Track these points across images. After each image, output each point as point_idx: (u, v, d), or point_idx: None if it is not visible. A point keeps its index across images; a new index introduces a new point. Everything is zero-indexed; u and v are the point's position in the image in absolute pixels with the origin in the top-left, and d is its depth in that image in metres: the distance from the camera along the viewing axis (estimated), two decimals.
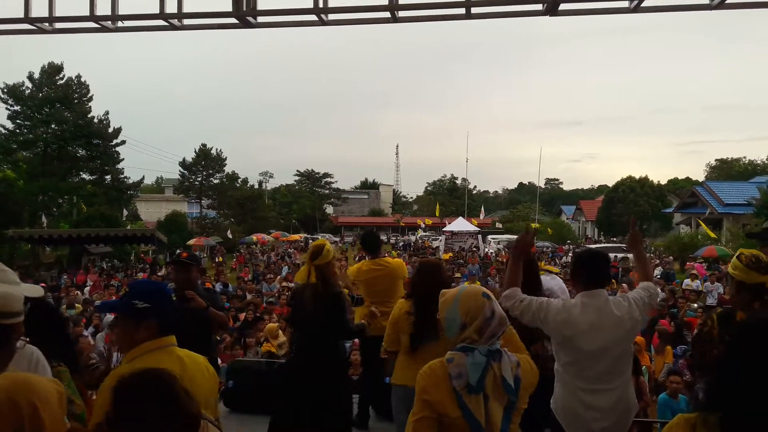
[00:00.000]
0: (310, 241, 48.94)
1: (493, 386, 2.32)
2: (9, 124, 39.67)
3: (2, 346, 2.02)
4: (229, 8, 4.67)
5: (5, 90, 39.45)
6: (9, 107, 39.62)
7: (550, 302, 3.36)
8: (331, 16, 4.73)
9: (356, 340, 8.26)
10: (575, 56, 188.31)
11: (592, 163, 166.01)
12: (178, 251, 5.70)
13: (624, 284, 14.30)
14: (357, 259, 27.52)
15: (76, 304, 13.16)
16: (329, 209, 79.27)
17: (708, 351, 3.42)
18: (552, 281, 4.60)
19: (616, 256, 20.99)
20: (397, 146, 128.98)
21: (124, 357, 2.48)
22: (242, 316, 10.32)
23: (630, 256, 24.17)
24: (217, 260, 30.60)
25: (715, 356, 3.36)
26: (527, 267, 3.84)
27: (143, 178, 48.09)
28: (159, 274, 20.27)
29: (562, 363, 3.34)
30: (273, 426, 4.40)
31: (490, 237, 41.77)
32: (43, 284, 14.33)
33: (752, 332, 1.66)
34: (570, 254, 33.09)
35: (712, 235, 27.18)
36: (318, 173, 78.10)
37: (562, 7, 4.46)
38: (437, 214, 50.31)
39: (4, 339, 2.04)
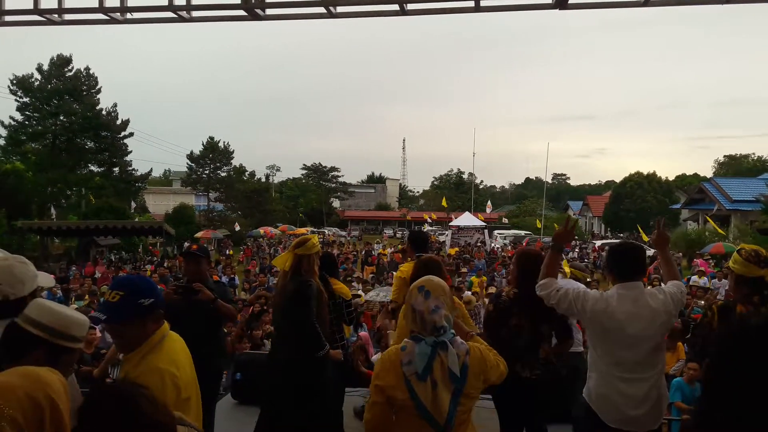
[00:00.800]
0: (316, 234, 49.15)
1: (441, 374, 2.48)
2: (18, 116, 39.86)
3: (55, 366, 2.09)
4: (237, 0, 4.67)
5: (14, 82, 39.60)
6: (18, 99, 39.79)
7: (587, 292, 3.44)
8: (340, 9, 4.73)
9: (364, 334, 8.29)
10: (584, 51, 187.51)
11: (600, 158, 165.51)
12: (186, 244, 5.74)
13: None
14: (363, 253, 27.56)
15: (86, 296, 13.25)
16: (336, 203, 79.34)
17: (709, 341, 3.46)
18: (562, 281, 4.63)
19: None
20: (404, 140, 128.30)
21: (133, 353, 2.45)
22: (250, 309, 10.34)
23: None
24: (227, 253, 30.69)
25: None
26: (533, 262, 3.87)
27: (151, 170, 48.29)
28: (165, 266, 20.32)
29: (599, 353, 3.39)
30: (261, 416, 4.39)
31: (496, 232, 41.69)
32: (53, 275, 14.42)
33: (737, 343, 1.65)
34: (577, 250, 33.03)
35: (720, 231, 27.04)
36: (325, 167, 78.13)
37: (572, 0, 4.43)
38: (444, 204, 50.22)
39: (54, 359, 2.14)
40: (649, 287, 3.46)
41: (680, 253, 26.98)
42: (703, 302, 11.86)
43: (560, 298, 3.42)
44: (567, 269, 5.76)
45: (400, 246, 33.09)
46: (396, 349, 2.60)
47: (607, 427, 3.35)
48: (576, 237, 43.64)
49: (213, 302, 4.59)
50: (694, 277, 16.79)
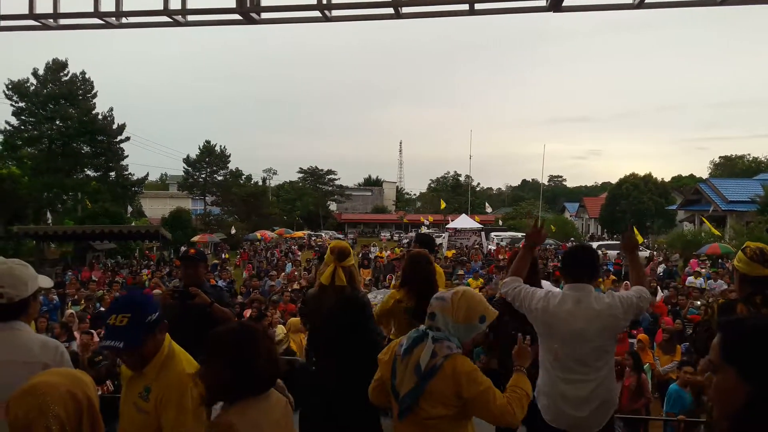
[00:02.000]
0: (314, 238, 49.12)
1: (413, 362, 2.57)
2: (14, 121, 39.79)
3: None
4: (233, 4, 4.68)
5: (10, 87, 39.54)
6: (14, 104, 39.71)
7: (535, 290, 3.55)
8: (335, 12, 4.73)
9: None
10: (579, 53, 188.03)
11: (596, 160, 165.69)
12: (183, 248, 5.74)
13: (627, 282, 14.24)
14: (360, 256, 27.49)
15: (81, 301, 13.20)
16: (333, 206, 79.30)
17: (708, 339, 3.45)
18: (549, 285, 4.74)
19: (620, 254, 20.96)
20: (401, 143, 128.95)
21: (149, 366, 2.45)
22: (246, 313, 10.33)
23: (641, 254, 24.06)
24: (224, 257, 30.64)
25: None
26: (531, 264, 3.90)
27: (147, 174, 48.27)
28: (166, 271, 20.29)
29: (544, 350, 3.49)
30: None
31: (493, 234, 41.71)
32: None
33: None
34: None
35: (716, 232, 27.10)
36: (321, 170, 78.16)
37: (566, 2, 4.45)
38: (442, 207, 50.28)
39: None
40: (598, 292, 3.50)
41: (677, 254, 27.04)
42: (699, 303, 11.90)
43: (515, 295, 3.57)
44: None
45: (397, 249, 33.13)
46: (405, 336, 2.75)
47: (549, 427, 3.42)
48: (572, 239, 43.79)
49: (209, 306, 4.57)
50: (690, 278, 16.84)
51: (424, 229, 51.79)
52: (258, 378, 2.18)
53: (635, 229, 29.52)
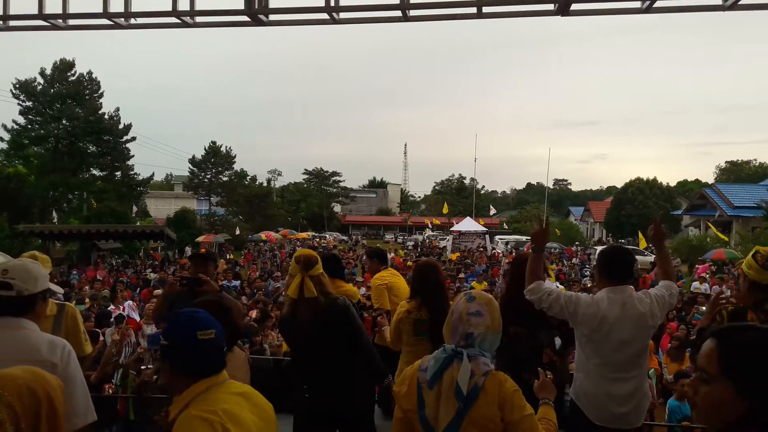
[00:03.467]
0: (317, 239, 49.14)
1: (449, 387, 2.26)
2: (21, 120, 39.92)
3: None
4: (241, 6, 4.70)
5: (17, 86, 39.69)
6: (21, 103, 39.87)
7: (579, 296, 3.51)
8: (343, 15, 4.75)
9: None
10: (586, 56, 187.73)
11: (601, 164, 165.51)
12: (188, 248, 5.79)
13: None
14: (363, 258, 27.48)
15: (86, 299, 13.23)
16: (337, 208, 79.32)
17: None
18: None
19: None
20: (406, 145, 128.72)
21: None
22: (252, 313, 10.35)
23: (644, 258, 24.08)
24: (228, 257, 30.70)
25: None
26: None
27: (153, 174, 48.26)
28: (168, 272, 20.35)
29: (587, 354, 3.49)
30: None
31: (497, 237, 41.67)
32: (55, 280, 14.42)
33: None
34: (579, 255, 32.99)
35: (722, 237, 27.01)
36: (326, 172, 78.16)
37: (574, 7, 4.46)
38: (445, 211, 50.27)
39: None
40: (636, 292, 3.49)
41: (678, 259, 26.95)
42: (704, 308, 11.83)
43: (552, 302, 3.48)
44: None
45: (400, 251, 33.14)
46: (422, 359, 2.46)
47: (593, 426, 3.45)
48: (577, 242, 43.69)
49: (218, 295, 4.62)
50: (695, 284, 16.78)
51: (428, 232, 51.82)
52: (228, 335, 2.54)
53: (640, 234, 29.46)
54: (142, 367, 6.45)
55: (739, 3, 4.25)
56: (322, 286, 3.71)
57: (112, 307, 11.55)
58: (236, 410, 2.00)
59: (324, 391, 3.68)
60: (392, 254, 28.78)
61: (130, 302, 11.97)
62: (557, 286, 4.83)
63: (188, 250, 30.43)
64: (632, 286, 3.51)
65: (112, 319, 9.29)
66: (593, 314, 3.38)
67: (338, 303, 3.72)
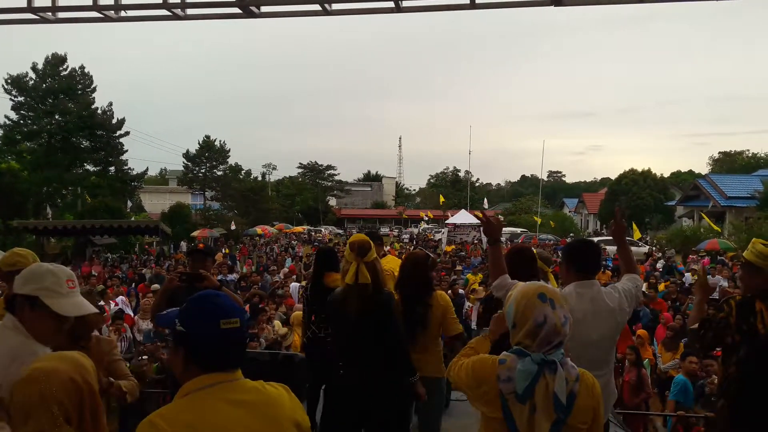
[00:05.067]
0: (313, 233, 49.15)
1: (544, 398, 2.14)
2: (13, 115, 39.74)
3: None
4: None
5: (9, 81, 39.46)
6: (13, 98, 39.64)
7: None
8: (335, 6, 4.72)
9: None
10: (580, 48, 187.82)
11: (595, 155, 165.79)
12: (183, 243, 5.81)
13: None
14: None
15: None
16: (332, 201, 79.31)
17: (723, 336, 3.40)
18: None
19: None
20: (400, 138, 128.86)
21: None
22: (247, 308, 10.34)
23: (638, 249, 24.17)
24: (224, 251, 30.70)
25: (729, 344, 3.38)
26: (527, 263, 3.84)
27: (147, 169, 48.22)
28: (164, 266, 20.29)
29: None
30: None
31: None
32: None
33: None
34: None
35: (715, 228, 27.13)
36: (321, 165, 78.07)
37: None
38: (442, 201, 50.30)
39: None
40: (603, 287, 3.36)
41: (673, 250, 27.07)
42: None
43: None
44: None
45: (396, 244, 33.15)
46: (492, 360, 2.27)
47: None
48: (572, 234, 43.81)
49: (218, 290, 4.67)
50: (688, 275, 16.85)
51: (423, 225, 51.92)
52: None
53: (634, 225, 29.57)
54: (141, 358, 6.48)
55: None
56: (375, 273, 3.79)
57: (101, 302, 11.51)
58: (215, 425, 1.70)
59: (358, 370, 3.76)
60: (388, 247, 28.79)
61: (123, 298, 11.93)
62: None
63: (183, 245, 30.39)
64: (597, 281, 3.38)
65: (105, 314, 9.25)
66: None
67: (383, 292, 3.82)
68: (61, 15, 5.11)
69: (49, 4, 4.97)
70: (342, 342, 3.91)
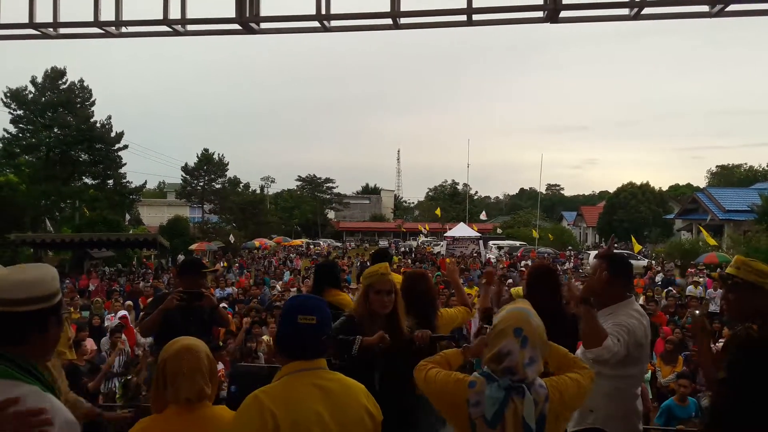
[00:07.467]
0: (311, 246, 49.09)
1: (513, 423, 2.15)
2: (12, 128, 39.74)
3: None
4: (232, 14, 4.71)
5: (8, 94, 39.52)
6: (12, 111, 39.70)
7: (629, 324, 3.22)
8: (334, 23, 4.76)
9: None
10: (577, 62, 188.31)
11: (594, 168, 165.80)
12: (180, 256, 5.92)
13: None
14: (359, 265, 27.52)
15: (71, 309, 13.08)
16: (331, 214, 79.31)
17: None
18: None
19: None
20: (399, 151, 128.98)
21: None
22: (246, 321, 10.30)
23: (638, 263, 24.09)
24: (222, 264, 30.67)
25: None
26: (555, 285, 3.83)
27: (145, 182, 48.15)
28: (163, 279, 20.27)
29: (629, 374, 3.28)
30: None
31: (491, 242, 41.75)
32: None
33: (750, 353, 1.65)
34: (572, 260, 33.08)
35: (713, 241, 27.17)
36: (319, 178, 78.20)
37: (563, 14, 4.49)
38: (438, 214, 50.36)
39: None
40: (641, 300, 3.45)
41: (671, 263, 27.07)
42: (697, 312, 11.88)
43: (623, 346, 3.14)
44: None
45: (395, 258, 33.11)
46: (462, 382, 2.27)
47: None
48: (570, 247, 43.84)
49: (216, 309, 4.99)
50: (690, 287, 16.85)
51: (422, 238, 51.90)
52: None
53: (633, 238, 29.55)
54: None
55: (726, 10, 4.30)
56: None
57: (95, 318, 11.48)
58: (302, 401, 2.11)
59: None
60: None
61: (124, 312, 11.86)
62: None
63: (181, 258, 30.33)
64: None
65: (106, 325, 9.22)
66: (645, 334, 3.27)
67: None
68: (63, 31, 5.14)
69: (50, 19, 5.01)
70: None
